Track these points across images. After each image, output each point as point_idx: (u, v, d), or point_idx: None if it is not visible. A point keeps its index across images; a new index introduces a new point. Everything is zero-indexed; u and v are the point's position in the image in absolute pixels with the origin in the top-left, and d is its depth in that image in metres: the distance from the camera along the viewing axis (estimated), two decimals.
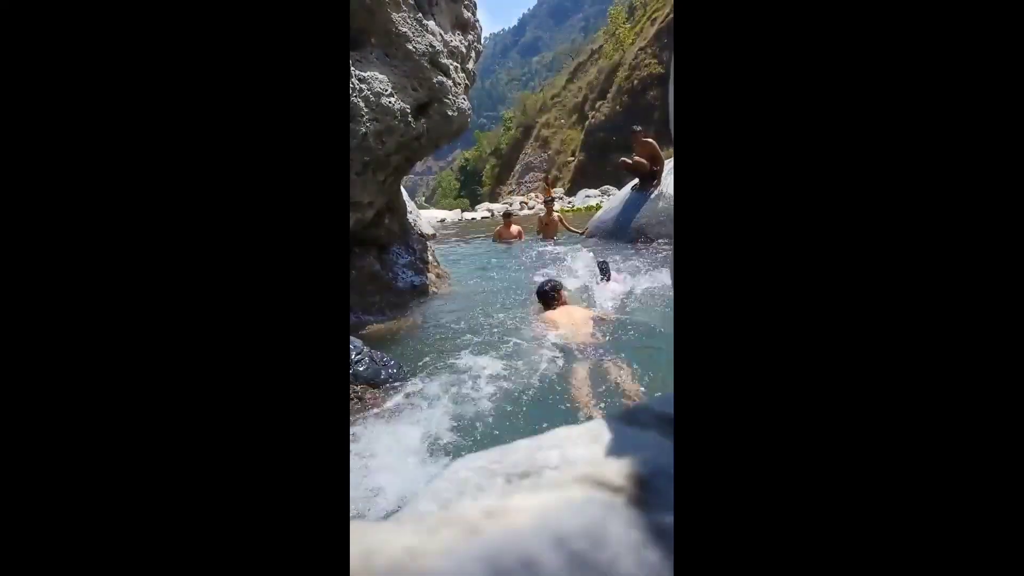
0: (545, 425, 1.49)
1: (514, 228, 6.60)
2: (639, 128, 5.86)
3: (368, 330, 2.70)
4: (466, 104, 3.10)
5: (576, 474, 0.30)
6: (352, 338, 1.86)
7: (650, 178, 5.23)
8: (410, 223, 3.55)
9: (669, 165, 5.14)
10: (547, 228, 6.41)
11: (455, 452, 1.42)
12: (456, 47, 3.02)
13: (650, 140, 5.35)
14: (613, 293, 2.82)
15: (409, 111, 2.69)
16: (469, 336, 2.41)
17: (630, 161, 5.39)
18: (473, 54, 3.29)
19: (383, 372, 1.79)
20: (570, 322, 2.30)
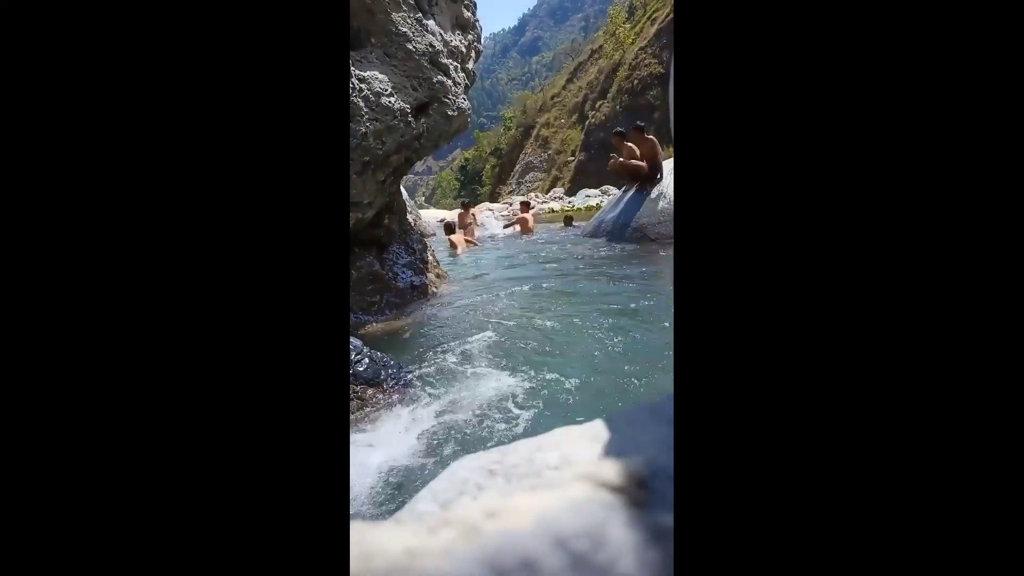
0: (545, 425, 1.49)
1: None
2: (622, 129, 5.80)
3: (368, 330, 2.70)
4: (466, 104, 3.10)
5: (576, 474, 0.30)
6: (352, 338, 1.86)
7: (649, 179, 5.17)
8: (410, 223, 3.55)
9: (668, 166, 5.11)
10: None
11: (455, 452, 1.42)
12: (456, 47, 3.02)
13: (650, 137, 5.29)
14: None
15: (409, 111, 2.69)
16: (469, 336, 2.41)
17: (625, 160, 5.34)
18: (473, 54, 3.29)
19: (383, 372, 1.79)
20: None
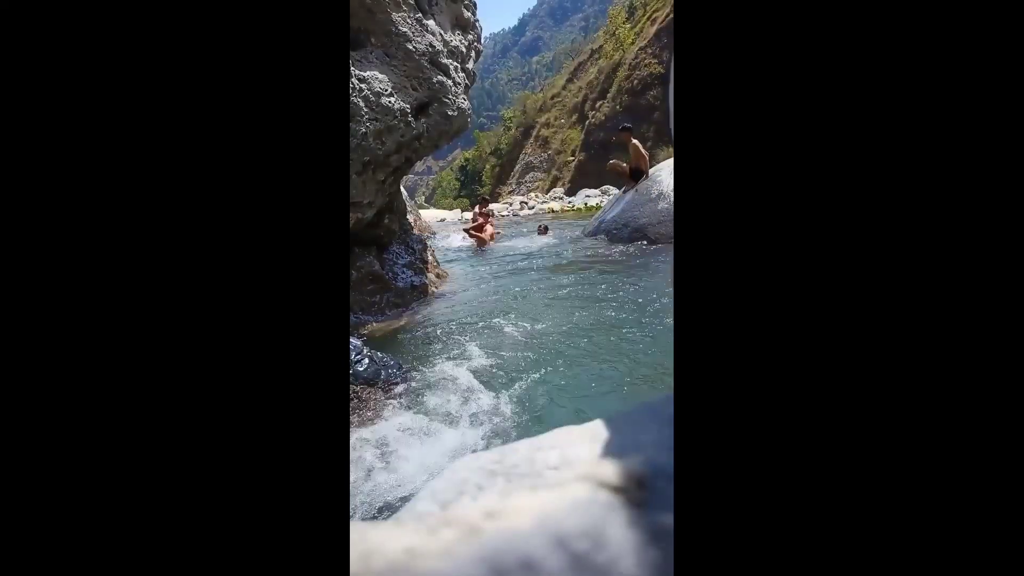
0: (545, 425, 1.49)
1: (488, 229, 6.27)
2: (629, 124, 5.83)
3: (368, 330, 2.70)
4: (466, 104, 3.10)
5: (576, 474, 0.30)
6: (352, 338, 1.87)
7: (635, 178, 5.30)
8: (410, 223, 3.55)
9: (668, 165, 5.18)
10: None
11: (455, 452, 1.42)
12: (456, 47, 3.02)
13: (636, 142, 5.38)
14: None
15: (409, 111, 2.69)
16: (469, 336, 2.41)
17: (624, 165, 5.41)
18: (473, 54, 3.29)
19: (383, 372, 1.79)
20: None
